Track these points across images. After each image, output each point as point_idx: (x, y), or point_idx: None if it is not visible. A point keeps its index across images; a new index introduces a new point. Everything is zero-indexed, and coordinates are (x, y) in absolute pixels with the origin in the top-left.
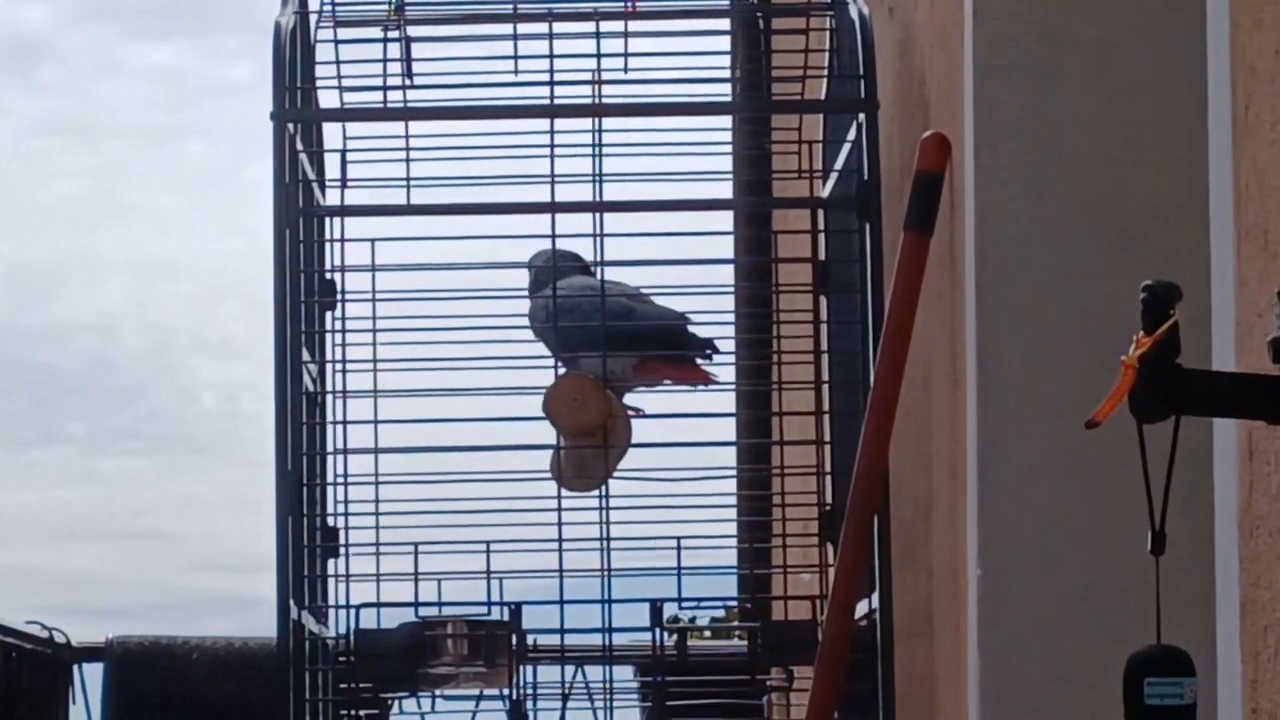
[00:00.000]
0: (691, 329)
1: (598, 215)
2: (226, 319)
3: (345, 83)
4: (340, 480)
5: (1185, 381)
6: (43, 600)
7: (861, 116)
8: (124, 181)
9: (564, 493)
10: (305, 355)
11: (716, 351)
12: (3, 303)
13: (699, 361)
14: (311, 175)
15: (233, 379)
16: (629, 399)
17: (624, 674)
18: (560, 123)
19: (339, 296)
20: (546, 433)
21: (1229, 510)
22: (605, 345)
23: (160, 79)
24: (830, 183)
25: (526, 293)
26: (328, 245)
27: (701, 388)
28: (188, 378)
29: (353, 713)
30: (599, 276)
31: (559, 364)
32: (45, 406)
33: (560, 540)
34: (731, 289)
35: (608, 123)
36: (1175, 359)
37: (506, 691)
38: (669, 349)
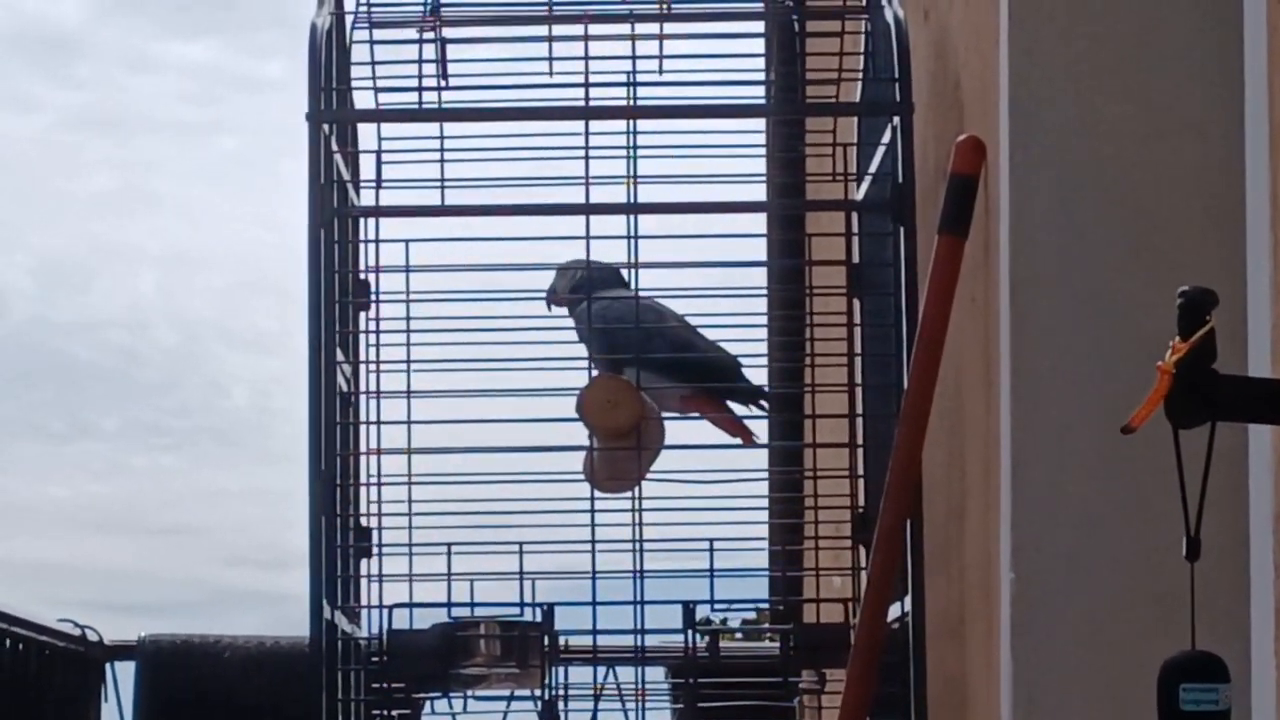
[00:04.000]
0: (745, 375)
1: (632, 217)
2: (257, 313)
3: (380, 84)
4: (373, 481)
5: (1221, 387)
6: (73, 594)
7: (896, 119)
8: (155, 176)
9: (597, 494)
10: (339, 355)
11: (766, 405)
12: (34, 297)
13: (739, 411)
14: (346, 176)
15: (263, 373)
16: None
17: (656, 675)
18: (595, 124)
19: (373, 297)
20: (580, 434)
21: (1263, 515)
22: (662, 372)
23: (192, 75)
24: (865, 185)
25: (568, 297)
26: (362, 246)
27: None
28: (218, 371)
29: (385, 713)
30: (633, 279)
31: (593, 367)
32: (76, 400)
33: (593, 541)
34: (765, 291)
35: (642, 125)
36: (1211, 364)
37: (538, 692)
38: (722, 390)
